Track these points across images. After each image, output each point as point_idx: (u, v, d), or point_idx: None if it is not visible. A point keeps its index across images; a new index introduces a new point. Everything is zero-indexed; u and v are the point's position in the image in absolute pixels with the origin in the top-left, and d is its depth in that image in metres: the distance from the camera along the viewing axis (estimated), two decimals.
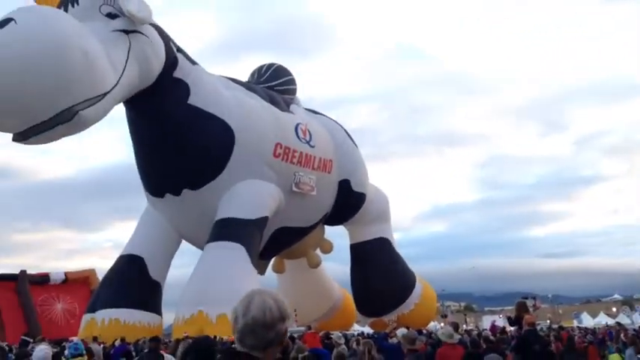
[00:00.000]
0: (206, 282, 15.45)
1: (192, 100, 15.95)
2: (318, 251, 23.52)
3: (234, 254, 15.75)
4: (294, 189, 18.47)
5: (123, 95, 14.09)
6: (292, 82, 21.96)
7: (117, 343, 14.54)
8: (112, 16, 13.82)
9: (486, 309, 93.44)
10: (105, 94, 12.51)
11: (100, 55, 12.34)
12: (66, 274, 29.03)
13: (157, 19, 14.97)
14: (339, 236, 24.19)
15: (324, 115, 22.54)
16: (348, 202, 21.41)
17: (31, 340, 16.22)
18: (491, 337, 12.27)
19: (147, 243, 17.73)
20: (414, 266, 23.82)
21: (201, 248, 17.19)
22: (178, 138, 15.91)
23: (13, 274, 27.61)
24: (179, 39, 15.96)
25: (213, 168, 16.49)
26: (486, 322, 39.73)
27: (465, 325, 40.61)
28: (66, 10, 13.63)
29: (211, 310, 14.75)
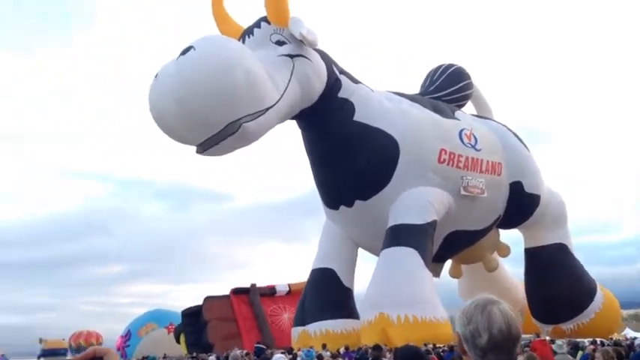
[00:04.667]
0: (384, 286, 15.37)
1: (358, 117, 16.06)
2: (495, 255, 21.89)
3: (408, 258, 15.46)
4: (463, 192, 17.50)
5: (285, 112, 14.63)
6: (468, 86, 20.50)
7: (341, 350, 14.63)
8: (279, 43, 14.77)
9: None
10: (267, 110, 13.26)
11: (262, 75, 13.13)
12: (290, 285, 29.36)
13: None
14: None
15: (492, 120, 21.19)
16: (521, 204, 19.74)
17: (265, 347, 17.00)
18: None
19: (333, 254, 17.89)
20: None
21: (377, 255, 16.88)
22: (347, 153, 16.07)
23: (245, 287, 28.54)
24: None
25: (380, 179, 16.31)
26: None
27: None
28: (244, 41, 15.07)
29: (392, 311, 14.72)
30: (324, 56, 15.73)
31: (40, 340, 42.66)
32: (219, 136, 12.75)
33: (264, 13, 15.36)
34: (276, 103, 13.52)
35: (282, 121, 15.03)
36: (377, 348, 9.23)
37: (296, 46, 14.61)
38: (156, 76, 12.88)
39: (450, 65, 20.99)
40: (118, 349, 35.87)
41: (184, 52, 12.63)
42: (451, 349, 12.48)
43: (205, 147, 13.12)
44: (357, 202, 16.54)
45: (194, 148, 13.60)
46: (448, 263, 22.22)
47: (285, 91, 13.88)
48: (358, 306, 17.58)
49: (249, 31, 15.09)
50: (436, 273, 19.70)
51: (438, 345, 13.61)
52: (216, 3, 16.31)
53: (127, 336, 36.84)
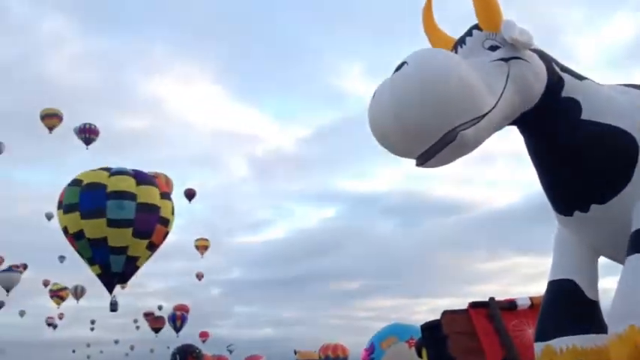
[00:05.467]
0: (633, 295, 13.73)
1: (586, 115, 14.87)
2: None
3: None
4: None
5: (503, 117, 14.06)
6: None
7: None
8: (493, 48, 14.28)
9: None
10: (483, 116, 12.85)
11: (476, 82, 12.78)
12: (531, 299, 28.75)
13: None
14: None
15: None
16: None
17: None
18: None
19: (570, 264, 16.53)
20: None
21: (621, 262, 15.39)
22: (576, 155, 14.86)
23: (483, 301, 28.89)
24: None
25: (618, 179, 14.77)
26: None
27: None
28: (456, 51, 14.75)
29: None
30: (542, 55, 15.10)
31: (295, 352, 46.59)
32: (437, 147, 13.06)
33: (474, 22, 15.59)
34: (493, 108, 13.28)
35: (500, 127, 14.65)
36: None
37: (511, 49, 14.27)
38: (373, 96, 13.62)
39: None
40: None
41: (398, 68, 13.13)
42: None
43: (425, 159, 13.50)
44: (594, 207, 15.24)
45: (414, 161, 14.11)
46: None
47: (501, 95, 13.59)
48: (606, 319, 16.10)
49: (461, 41, 15.15)
50: None
51: None
52: (427, 18, 16.70)
53: (371, 349, 38.37)
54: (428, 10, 13.62)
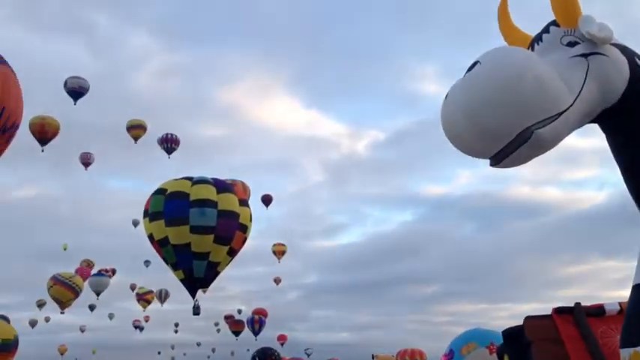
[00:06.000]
0: None
1: None
2: None
3: None
4: None
5: (582, 114, 13.45)
6: None
7: None
8: (571, 44, 13.62)
9: None
10: (560, 114, 12.33)
11: (552, 79, 12.30)
12: (620, 304, 27.12)
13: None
14: None
15: None
16: None
17: None
18: None
19: None
20: None
21: None
22: None
23: (569, 306, 27.65)
24: None
25: None
26: None
27: None
28: (532, 49, 14.21)
29: None
30: (624, 49, 14.30)
31: (373, 357, 46.42)
32: (511, 146, 12.63)
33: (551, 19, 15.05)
34: (571, 106, 12.66)
35: (579, 125, 13.94)
36: None
37: (590, 45, 13.55)
38: (445, 97, 13.35)
39: None
40: None
41: (470, 68, 12.78)
42: None
43: (499, 159, 13.06)
44: None
45: (488, 161, 13.74)
46: None
47: (579, 92, 12.90)
48: None
49: (537, 39, 14.57)
50: None
51: None
52: (503, 16, 16.28)
53: (450, 355, 37.58)
54: (503, 8, 13.47)
